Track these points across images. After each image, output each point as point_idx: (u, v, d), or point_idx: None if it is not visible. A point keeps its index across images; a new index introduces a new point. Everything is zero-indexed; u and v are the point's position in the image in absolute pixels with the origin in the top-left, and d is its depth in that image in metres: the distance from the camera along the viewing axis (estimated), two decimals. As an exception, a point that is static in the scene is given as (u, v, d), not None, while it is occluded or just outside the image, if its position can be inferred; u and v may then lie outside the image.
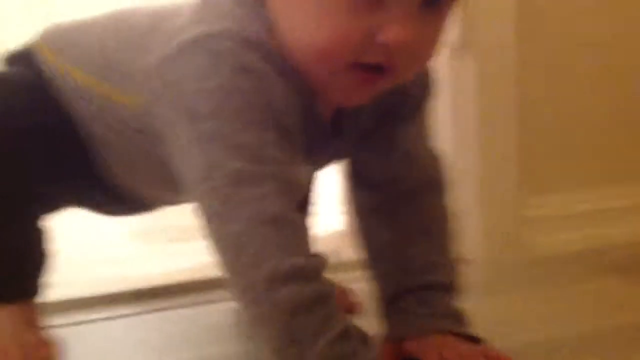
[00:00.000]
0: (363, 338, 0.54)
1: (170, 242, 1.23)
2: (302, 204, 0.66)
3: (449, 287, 0.66)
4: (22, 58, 0.72)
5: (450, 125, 1.08)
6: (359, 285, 0.79)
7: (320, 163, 0.70)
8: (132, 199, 0.74)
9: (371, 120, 0.66)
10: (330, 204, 1.34)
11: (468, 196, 1.08)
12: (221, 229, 0.52)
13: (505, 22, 1.06)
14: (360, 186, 0.71)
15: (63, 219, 0.77)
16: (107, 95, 0.64)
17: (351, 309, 0.82)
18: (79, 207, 0.77)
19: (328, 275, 0.55)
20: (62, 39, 0.71)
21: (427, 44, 0.55)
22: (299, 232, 0.54)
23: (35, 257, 0.71)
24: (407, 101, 0.67)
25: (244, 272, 0.51)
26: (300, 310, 0.50)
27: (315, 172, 0.75)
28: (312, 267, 0.52)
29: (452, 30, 1.01)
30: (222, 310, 0.87)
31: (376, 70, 0.54)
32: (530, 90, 1.13)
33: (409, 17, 0.51)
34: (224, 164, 0.51)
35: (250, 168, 0.51)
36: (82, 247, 1.21)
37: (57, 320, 0.83)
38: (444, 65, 1.04)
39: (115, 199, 0.74)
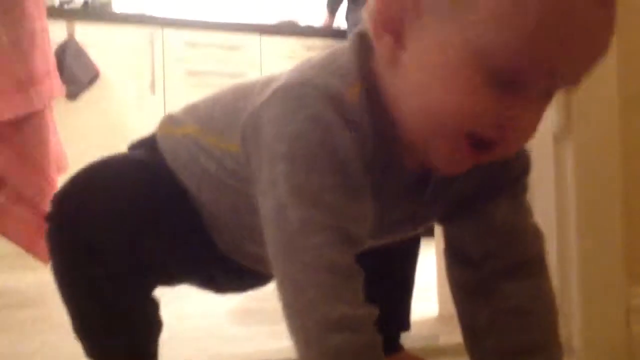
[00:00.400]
0: None
1: (266, 323, 1.25)
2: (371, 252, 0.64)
3: None
4: (143, 143, 0.79)
5: (553, 210, 1.07)
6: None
7: (402, 221, 0.68)
8: (238, 269, 0.78)
9: (466, 187, 0.65)
10: (428, 288, 1.34)
11: (570, 283, 1.05)
12: (283, 271, 0.55)
13: (608, 109, 1.06)
14: (456, 263, 0.70)
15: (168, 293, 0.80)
16: (214, 143, 0.68)
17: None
18: (189, 279, 0.81)
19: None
20: (179, 110, 0.79)
21: (535, 127, 0.55)
22: (353, 282, 0.55)
23: (148, 327, 0.75)
24: (505, 173, 0.66)
25: (299, 315, 0.54)
26: (345, 358, 0.52)
27: (399, 230, 0.71)
28: (361, 318, 0.54)
29: (555, 116, 1.01)
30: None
31: (485, 145, 0.54)
32: (634, 176, 1.11)
33: (537, 112, 0.53)
34: (289, 208, 0.54)
35: (311, 215, 0.54)
36: (183, 322, 1.25)
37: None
38: (546, 151, 1.04)
39: (223, 269, 0.77)
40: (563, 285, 1.02)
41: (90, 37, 3.10)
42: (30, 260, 1.59)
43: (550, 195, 1.07)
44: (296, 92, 0.56)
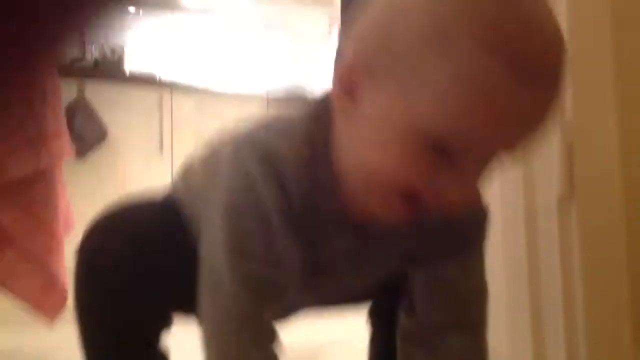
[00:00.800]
0: None
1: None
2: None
3: None
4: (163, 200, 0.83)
5: (558, 272, 1.07)
6: None
7: (351, 274, 0.70)
8: None
9: (417, 247, 0.68)
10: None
11: (577, 352, 1.04)
12: (203, 307, 0.63)
13: (611, 172, 1.07)
14: (404, 310, 0.72)
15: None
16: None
17: None
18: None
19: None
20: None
21: (470, 192, 0.58)
22: (262, 333, 0.61)
23: None
24: (458, 237, 0.68)
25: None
26: None
27: (349, 284, 0.73)
28: None
29: (558, 180, 1.02)
30: None
31: (419, 203, 0.57)
32: (639, 238, 1.11)
33: (470, 180, 0.56)
34: (215, 253, 0.62)
35: (232, 264, 0.60)
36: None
37: None
38: (550, 215, 1.05)
39: None
40: (569, 345, 1.01)
41: (100, 95, 3.15)
42: (30, 321, 1.58)
43: (555, 258, 1.07)
44: (246, 155, 0.62)
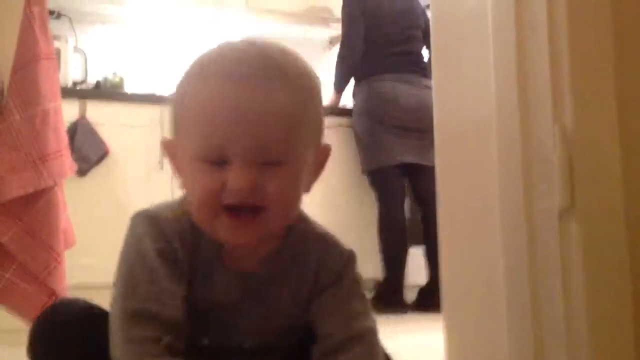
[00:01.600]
0: None
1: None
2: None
3: None
4: None
5: (558, 289, 1.06)
6: None
7: (255, 312, 0.82)
8: None
9: (296, 285, 0.82)
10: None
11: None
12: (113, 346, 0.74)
13: (613, 182, 1.07)
14: (312, 338, 0.83)
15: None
16: None
17: None
18: None
19: None
20: None
21: (275, 191, 0.72)
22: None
23: None
24: (326, 272, 0.83)
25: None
26: None
27: (260, 325, 0.83)
28: None
29: (558, 191, 1.02)
30: None
31: (244, 211, 0.72)
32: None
33: (243, 174, 0.70)
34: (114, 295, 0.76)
35: (124, 304, 0.74)
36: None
37: None
38: (551, 229, 1.05)
39: None
40: (571, 356, 1.00)
41: (102, 115, 3.16)
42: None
43: (556, 270, 1.07)
44: (136, 218, 0.79)
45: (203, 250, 0.79)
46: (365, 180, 3.44)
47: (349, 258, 0.85)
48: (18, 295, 1.62)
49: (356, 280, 0.85)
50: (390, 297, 3.23)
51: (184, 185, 0.78)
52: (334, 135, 3.59)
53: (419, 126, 3.25)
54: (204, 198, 0.73)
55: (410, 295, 3.32)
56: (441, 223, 1.30)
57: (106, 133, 3.12)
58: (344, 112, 3.58)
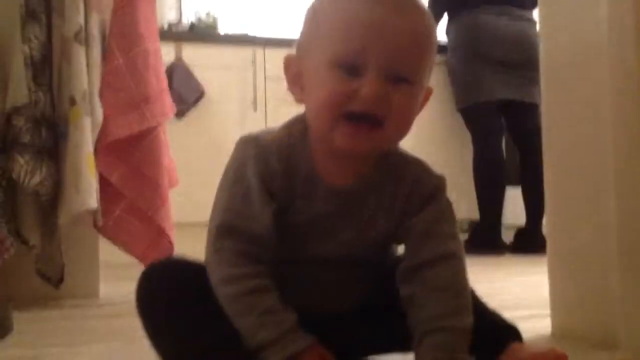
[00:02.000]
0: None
1: None
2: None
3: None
4: None
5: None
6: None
7: (346, 232, 0.86)
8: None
9: (395, 205, 0.86)
10: (541, 305, 1.30)
11: None
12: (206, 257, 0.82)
13: None
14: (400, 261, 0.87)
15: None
16: None
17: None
18: None
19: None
20: None
21: (398, 108, 0.77)
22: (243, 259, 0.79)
23: None
24: (420, 192, 0.86)
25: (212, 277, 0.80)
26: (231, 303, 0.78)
27: (348, 243, 0.86)
28: (240, 275, 0.78)
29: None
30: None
31: (364, 120, 0.76)
32: None
33: (377, 83, 0.75)
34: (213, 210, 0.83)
35: (219, 218, 0.81)
36: None
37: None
38: None
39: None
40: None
41: (197, 57, 3.22)
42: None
43: None
44: (240, 141, 0.85)
45: (301, 168, 0.83)
46: (460, 119, 3.37)
47: (440, 182, 0.88)
48: (127, 231, 1.69)
49: (447, 205, 0.88)
50: (486, 237, 3.19)
51: (305, 97, 0.82)
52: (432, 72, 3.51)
53: (518, 60, 3.13)
54: (330, 101, 0.77)
55: (506, 236, 3.26)
56: (547, 163, 1.25)
57: (201, 74, 3.18)
58: (440, 50, 3.50)
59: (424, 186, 0.86)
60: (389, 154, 0.86)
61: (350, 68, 0.76)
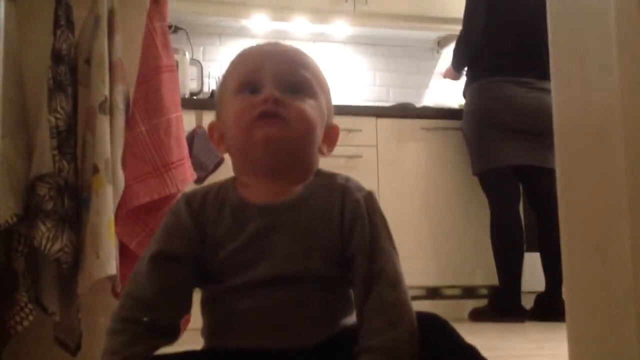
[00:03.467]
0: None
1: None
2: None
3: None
4: None
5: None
6: None
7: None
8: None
9: (332, 217, 0.90)
10: None
11: None
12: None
13: None
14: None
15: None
16: None
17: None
18: None
19: None
20: None
21: (295, 108, 0.90)
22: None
23: None
24: (347, 207, 0.90)
25: None
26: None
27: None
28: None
29: None
30: None
31: (269, 116, 0.88)
32: None
33: (273, 91, 0.89)
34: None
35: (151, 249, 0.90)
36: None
37: None
38: None
39: None
40: None
41: (216, 124, 3.27)
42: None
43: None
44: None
45: (230, 198, 0.92)
46: (477, 184, 3.38)
47: (370, 196, 0.92)
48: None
49: (381, 219, 0.91)
50: (507, 304, 3.14)
51: (227, 134, 0.94)
52: (445, 137, 3.55)
53: (536, 129, 3.13)
54: (243, 114, 0.90)
55: (526, 302, 3.21)
56: (563, 228, 1.25)
57: (221, 141, 3.23)
58: (454, 115, 3.54)
59: (353, 201, 0.90)
60: (315, 174, 0.94)
61: (252, 87, 0.91)
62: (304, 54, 0.97)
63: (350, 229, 0.89)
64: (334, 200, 0.90)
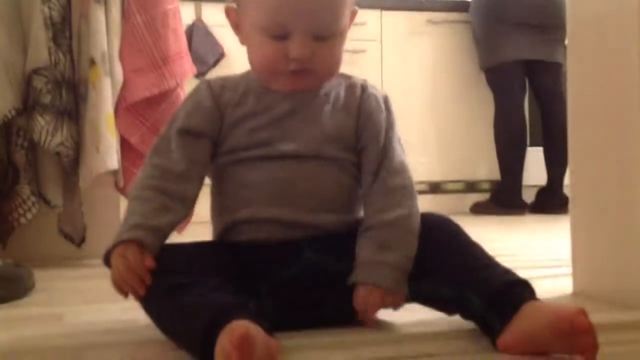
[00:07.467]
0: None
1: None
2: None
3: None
4: None
5: None
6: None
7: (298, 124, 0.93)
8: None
9: (350, 103, 0.95)
10: (562, 264, 1.29)
11: None
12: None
13: None
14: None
15: None
16: None
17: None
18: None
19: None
20: None
21: (324, 58, 0.90)
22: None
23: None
24: (366, 100, 0.95)
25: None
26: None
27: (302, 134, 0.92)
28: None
29: None
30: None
31: (300, 72, 0.90)
32: None
33: (301, 46, 0.88)
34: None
35: (169, 127, 0.93)
36: None
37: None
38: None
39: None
40: None
41: (216, 17, 3.19)
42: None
43: None
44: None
45: (253, 86, 0.94)
46: (482, 80, 3.33)
47: (387, 97, 0.98)
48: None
49: (393, 117, 0.96)
50: (508, 197, 3.18)
51: (247, 47, 0.94)
52: (452, 31, 3.46)
53: (543, 22, 3.07)
54: (266, 62, 0.91)
55: (528, 197, 3.25)
56: (571, 120, 1.23)
57: (221, 35, 3.16)
58: (462, 8, 3.44)
59: (372, 96, 0.95)
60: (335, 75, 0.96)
61: (280, 30, 0.88)
62: None
63: (366, 120, 0.93)
64: (353, 95, 0.95)
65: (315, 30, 0.88)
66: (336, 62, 0.93)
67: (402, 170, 0.92)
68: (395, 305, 0.88)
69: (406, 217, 0.88)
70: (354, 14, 0.96)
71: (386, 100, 0.97)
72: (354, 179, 0.93)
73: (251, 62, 0.94)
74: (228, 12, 0.96)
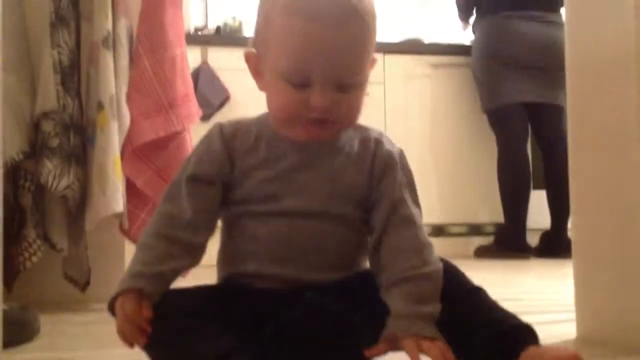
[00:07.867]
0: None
1: None
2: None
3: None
4: None
5: None
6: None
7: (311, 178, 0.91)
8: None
9: (363, 162, 0.93)
10: (566, 309, 1.29)
11: None
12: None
13: None
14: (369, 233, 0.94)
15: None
16: None
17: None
18: None
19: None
20: None
21: (347, 110, 0.88)
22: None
23: None
24: (378, 157, 0.93)
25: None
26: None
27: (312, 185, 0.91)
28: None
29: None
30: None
31: (318, 122, 0.87)
32: None
33: (322, 95, 0.85)
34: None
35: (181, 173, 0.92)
36: None
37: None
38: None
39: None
40: None
41: (222, 61, 3.24)
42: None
43: None
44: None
45: (266, 133, 0.93)
46: (484, 122, 3.35)
47: (401, 152, 0.96)
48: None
49: (409, 173, 0.95)
50: (512, 241, 3.16)
51: (267, 93, 0.92)
52: (454, 74, 3.50)
53: (544, 64, 3.10)
54: (286, 109, 0.88)
55: (532, 240, 3.23)
56: (572, 165, 1.24)
57: (227, 78, 3.20)
58: (464, 52, 3.48)
59: (386, 151, 0.94)
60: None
61: (301, 78, 0.86)
62: (362, 26, 0.86)
63: (380, 176, 0.92)
64: (367, 149, 0.93)
65: (337, 80, 0.86)
66: (356, 112, 0.91)
67: (417, 225, 0.90)
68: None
69: (439, 270, 0.87)
70: (373, 62, 0.93)
71: (402, 156, 0.95)
72: (361, 235, 0.93)
73: (270, 108, 0.92)
74: (248, 58, 0.94)
